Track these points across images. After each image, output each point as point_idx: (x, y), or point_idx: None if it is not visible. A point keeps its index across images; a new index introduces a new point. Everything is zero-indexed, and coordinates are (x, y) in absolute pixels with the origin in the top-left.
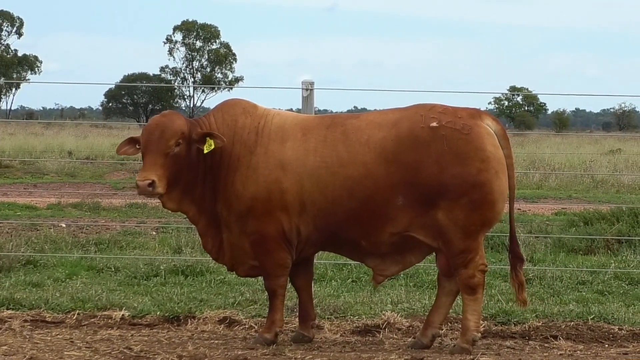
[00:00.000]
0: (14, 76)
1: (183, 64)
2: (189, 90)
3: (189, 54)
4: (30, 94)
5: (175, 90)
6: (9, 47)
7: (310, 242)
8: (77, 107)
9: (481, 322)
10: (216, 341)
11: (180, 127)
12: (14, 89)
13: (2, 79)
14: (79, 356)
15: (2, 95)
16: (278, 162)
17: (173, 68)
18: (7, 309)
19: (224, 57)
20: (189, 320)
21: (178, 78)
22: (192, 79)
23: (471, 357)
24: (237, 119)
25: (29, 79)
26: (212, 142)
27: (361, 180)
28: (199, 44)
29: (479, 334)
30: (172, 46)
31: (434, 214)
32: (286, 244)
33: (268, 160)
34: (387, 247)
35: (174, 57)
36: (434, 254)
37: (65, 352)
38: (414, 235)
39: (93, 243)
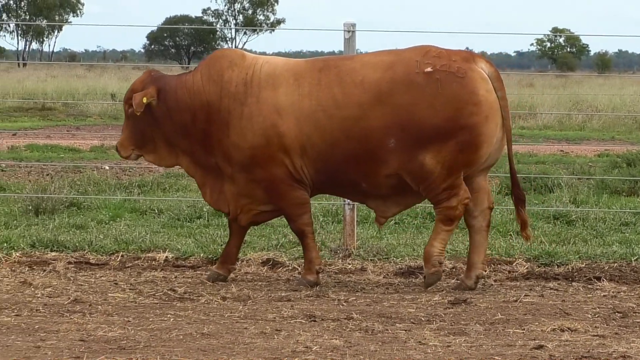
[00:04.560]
0: (56, 18)
1: (225, 5)
2: (230, 33)
3: None
4: (72, 36)
5: (217, 33)
6: None
7: (314, 183)
8: (119, 49)
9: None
10: (259, 283)
11: (133, 88)
12: (56, 31)
13: (45, 21)
14: (123, 298)
15: (44, 38)
16: (272, 107)
17: (215, 10)
18: (52, 251)
19: None
20: None
21: (220, 20)
22: (234, 21)
23: (515, 298)
24: (222, 73)
25: (70, 21)
26: (146, 98)
27: (357, 121)
28: None
29: (442, 258)
30: None
31: (422, 158)
32: (298, 183)
33: (261, 108)
34: (386, 188)
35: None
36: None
37: (109, 294)
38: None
39: (136, 185)
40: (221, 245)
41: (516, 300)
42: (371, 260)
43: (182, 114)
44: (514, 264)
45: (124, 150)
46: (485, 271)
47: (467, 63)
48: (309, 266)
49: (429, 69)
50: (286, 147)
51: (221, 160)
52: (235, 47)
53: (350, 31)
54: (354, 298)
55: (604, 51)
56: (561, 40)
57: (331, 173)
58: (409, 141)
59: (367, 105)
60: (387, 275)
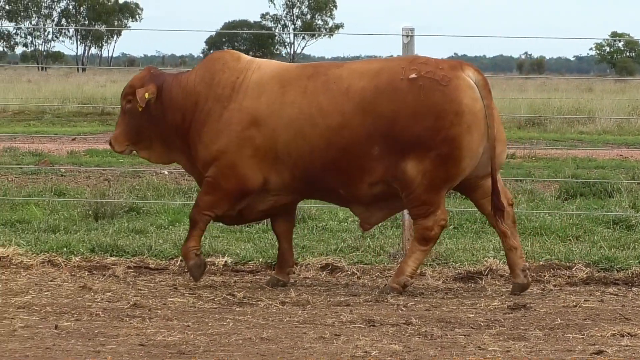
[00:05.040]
0: (115, 23)
1: (284, 10)
2: (289, 37)
3: (289, 1)
4: (131, 41)
5: (276, 38)
6: None
7: (286, 190)
8: (178, 54)
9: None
10: (318, 287)
11: (131, 84)
12: (115, 36)
13: (104, 26)
14: (182, 302)
15: (103, 43)
16: (252, 118)
17: (274, 15)
18: (111, 255)
19: (324, 4)
20: None
21: (279, 25)
22: (293, 26)
23: (574, 303)
24: (214, 76)
25: (129, 26)
26: (146, 94)
27: (339, 130)
28: None
29: (412, 280)
30: None
31: (404, 166)
32: (235, 198)
33: (242, 117)
34: (368, 197)
35: (274, 4)
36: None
37: (169, 299)
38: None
39: (195, 190)
40: None
41: (576, 306)
42: (430, 265)
43: (174, 113)
44: (574, 269)
45: (118, 145)
46: (527, 263)
47: (454, 71)
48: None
49: (413, 75)
50: (258, 159)
51: (195, 158)
52: (294, 52)
53: (408, 36)
54: (413, 303)
55: None
56: (620, 44)
57: (309, 180)
58: (392, 148)
59: (350, 114)
60: (446, 280)
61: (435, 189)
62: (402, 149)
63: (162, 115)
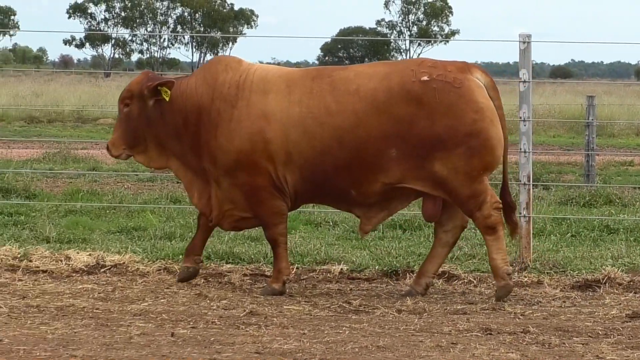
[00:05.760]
0: (230, 30)
1: (399, 17)
2: (405, 44)
3: (404, 7)
4: (246, 48)
5: (391, 44)
6: (225, 1)
7: (298, 192)
8: (293, 61)
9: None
10: (435, 295)
11: (129, 88)
12: (230, 43)
13: (219, 32)
14: (298, 310)
15: (219, 50)
16: (261, 112)
17: (389, 21)
18: (227, 262)
19: (440, 10)
20: (408, 274)
21: (394, 31)
22: (408, 32)
23: None
24: (217, 77)
25: (245, 33)
26: (166, 89)
27: (352, 129)
28: None
29: (510, 267)
30: None
31: (431, 166)
32: (278, 191)
33: (250, 112)
34: (376, 196)
35: (389, 10)
36: None
37: (285, 306)
38: (409, 187)
39: None
40: (397, 257)
41: None
42: (547, 273)
43: (174, 116)
44: None
45: (114, 149)
46: (434, 279)
47: (463, 73)
48: (278, 275)
49: (425, 78)
50: (271, 153)
51: (207, 162)
52: (410, 58)
53: (525, 42)
54: (531, 311)
55: None
56: None
57: (319, 181)
58: (411, 151)
59: (363, 113)
60: (564, 288)
61: (474, 179)
62: (423, 150)
63: (160, 119)
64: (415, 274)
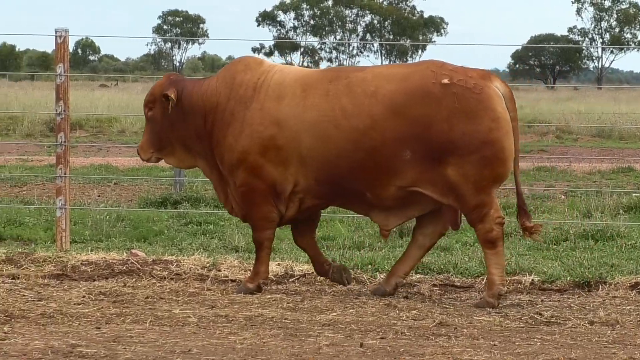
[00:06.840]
0: (420, 38)
1: (591, 24)
2: (597, 52)
3: (597, 14)
4: (435, 55)
5: (583, 52)
6: (415, 9)
7: (311, 194)
8: (484, 68)
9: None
10: (628, 307)
11: (152, 92)
12: (420, 51)
13: (408, 40)
14: (489, 321)
15: (407, 57)
16: (274, 119)
17: (581, 29)
18: (416, 273)
19: (634, 16)
20: (600, 285)
21: (586, 39)
22: (600, 40)
23: None
24: (235, 76)
25: (434, 41)
26: (172, 98)
27: (367, 131)
28: (607, 3)
29: (504, 288)
30: (580, 6)
31: (443, 170)
32: (274, 198)
33: (264, 117)
34: (392, 200)
35: (581, 17)
36: None
37: (475, 317)
38: (420, 191)
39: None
40: (589, 268)
41: None
42: None
43: (195, 117)
44: None
45: (143, 153)
46: (405, 280)
47: (484, 80)
48: (254, 276)
49: (446, 81)
50: (282, 159)
51: (218, 160)
52: (602, 66)
53: None
54: None
55: None
56: None
57: (335, 183)
58: (426, 153)
59: (380, 116)
60: None
61: (484, 190)
62: (437, 153)
63: (183, 121)
64: (387, 274)
